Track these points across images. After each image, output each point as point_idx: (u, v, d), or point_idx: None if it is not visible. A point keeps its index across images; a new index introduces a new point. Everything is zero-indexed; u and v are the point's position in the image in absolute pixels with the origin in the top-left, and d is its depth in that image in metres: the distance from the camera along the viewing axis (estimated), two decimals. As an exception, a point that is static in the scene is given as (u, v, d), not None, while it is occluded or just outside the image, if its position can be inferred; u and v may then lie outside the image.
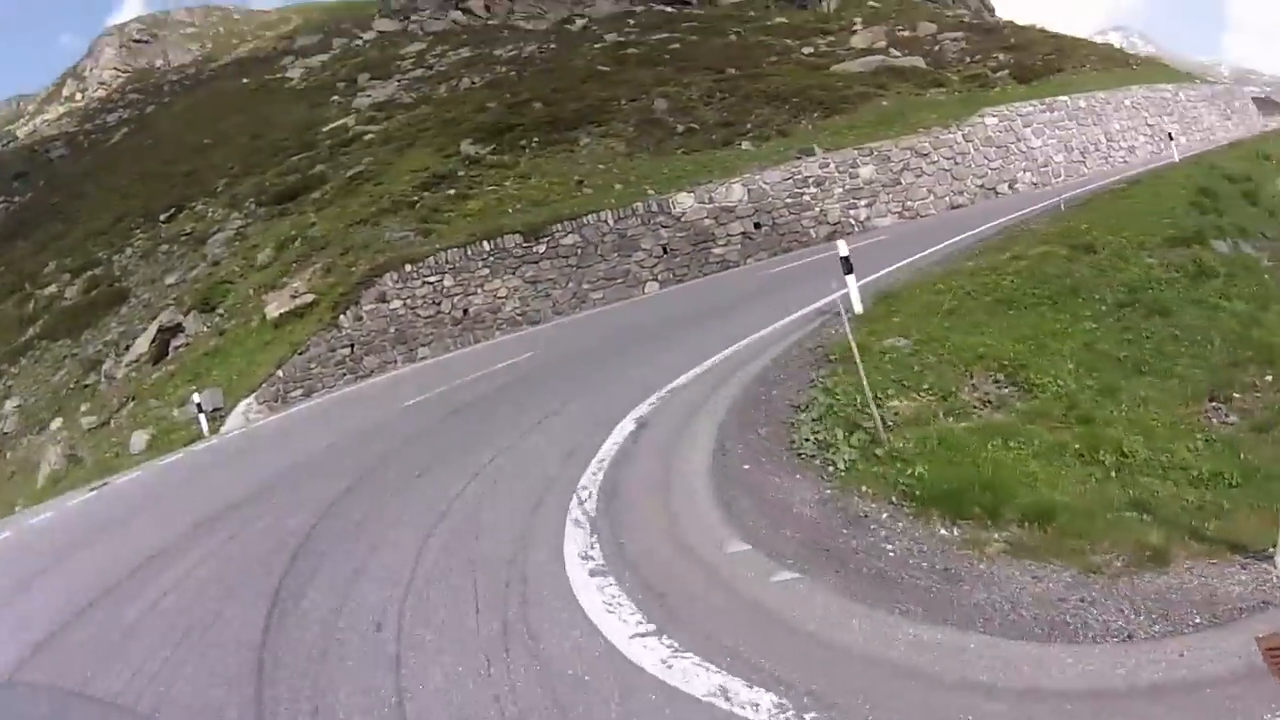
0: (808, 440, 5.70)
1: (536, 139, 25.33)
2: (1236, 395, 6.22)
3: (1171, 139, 23.47)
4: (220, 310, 21.25)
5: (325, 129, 32.28)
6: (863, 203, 21.49)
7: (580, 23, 40.47)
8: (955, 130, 22.25)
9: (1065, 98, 23.04)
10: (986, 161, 22.42)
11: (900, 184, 21.78)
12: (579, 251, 19.27)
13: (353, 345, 18.10)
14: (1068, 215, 11.41)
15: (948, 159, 22.19)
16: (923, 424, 5.76)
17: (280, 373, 17.33)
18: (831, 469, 5.16)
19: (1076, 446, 5.34)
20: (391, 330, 18.34)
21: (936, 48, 29.73)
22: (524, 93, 29.50)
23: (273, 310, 19.00)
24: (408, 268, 18.71)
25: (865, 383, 5.51)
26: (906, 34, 31.77)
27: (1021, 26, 33.19)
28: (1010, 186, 22.44)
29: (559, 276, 19.07)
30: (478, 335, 18.65)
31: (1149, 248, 8.70)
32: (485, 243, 18.84)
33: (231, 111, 42.82)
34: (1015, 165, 22.43)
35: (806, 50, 31.77)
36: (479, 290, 18.80)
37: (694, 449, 6.06)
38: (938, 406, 6.10)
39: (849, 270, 9.22)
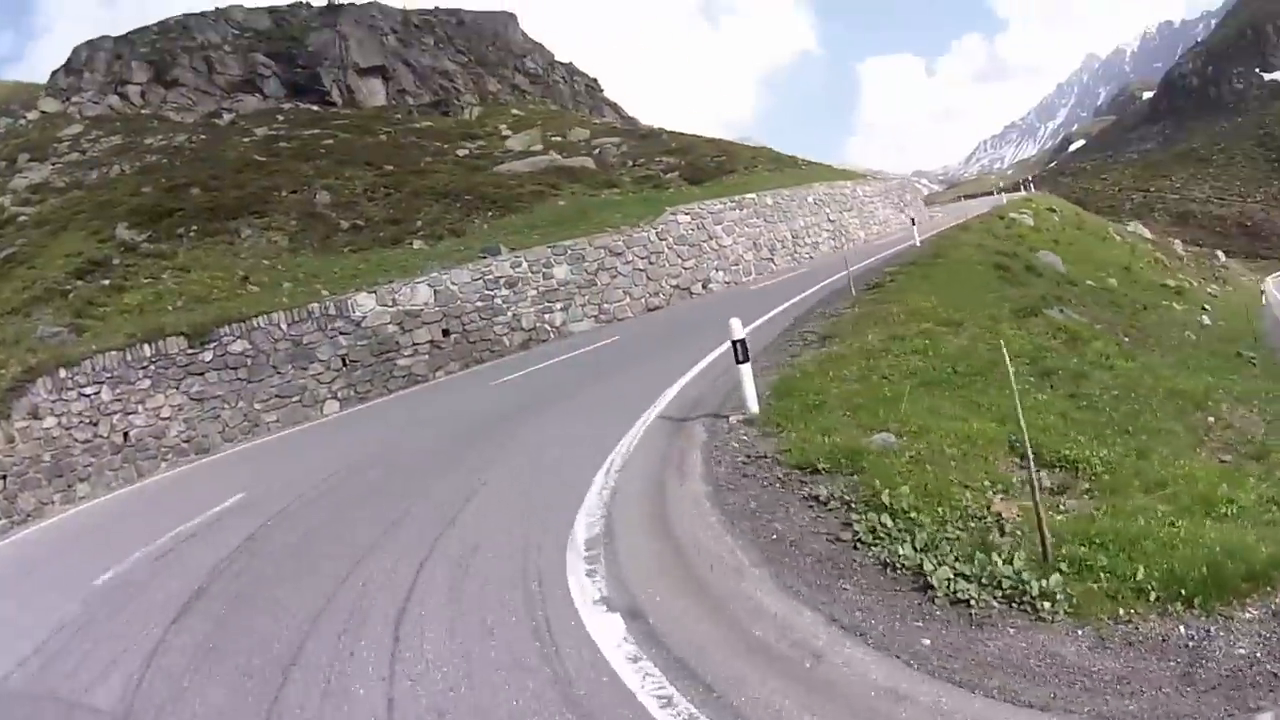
0: (949, 581, 4.72)
1: (195, 227, 25.11)
2: (1204, 437, 6.87)
3: (914, 223, 27.71)
4: None
5: (-17, 209, 31.46)
6: (558, 306, 21.73)
7: (228, 117, 42.64)
8: (648, 228, 23.74)
9: (753, 195, 26.18)
10: (680, 260, 24.25)
11: (596, 285, 22.48)
12: (249, 361, 17.52)
13: (5, 477, 15.81)
14: (886, 298, 12.41)
15: (642, 258, 23.50)
16: (1033, 524, 5.27)
17: (-70, 519, 14.03)
18: (1047, 606, 4.35)
19: (1194, 507, 5.34)
20: (47, 458, 16.15)
21: (596, 151, 32.21)
22: (180, 178, 29.56)
23: (-81, 424, 16.01)
24: (62, 373, 16.81)
25: (1034, 476, 4.82)
26: (559, 139, 34.19)
27: (678, 132, 37.90)
28: (704, 286, 24.51)
29: (228, 393, 17.26)
30: (141, 467, 16.54)
31: (1001, 319, 9.74)
32: (146, 346, 17.37)
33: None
34: (708, 264, 24.60)
35: (461, 152, 33.28)
36: (140, 408, 16.95)
37: (787, 630, 4.51)
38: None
39: (745, 358, 8.49)
